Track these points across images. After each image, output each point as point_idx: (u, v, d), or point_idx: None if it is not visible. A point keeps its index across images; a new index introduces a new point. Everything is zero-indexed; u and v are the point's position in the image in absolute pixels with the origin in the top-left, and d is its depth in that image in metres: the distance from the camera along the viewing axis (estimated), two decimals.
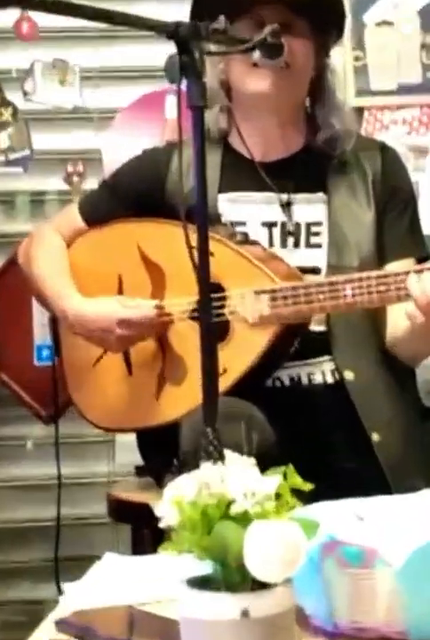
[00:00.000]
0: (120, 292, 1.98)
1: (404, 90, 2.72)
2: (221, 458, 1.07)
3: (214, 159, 1.95)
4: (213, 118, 1.94)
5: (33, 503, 2.70)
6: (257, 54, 1.81)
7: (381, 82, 2.75)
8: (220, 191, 1.95)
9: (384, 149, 2.00)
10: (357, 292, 1.72)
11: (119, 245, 1.99)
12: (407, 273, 1.69)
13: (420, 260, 1.91)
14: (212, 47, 1.49)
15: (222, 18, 1.70)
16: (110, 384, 1.98)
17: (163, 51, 1.36)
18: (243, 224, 1.93)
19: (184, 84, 1.35)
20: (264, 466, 1.01)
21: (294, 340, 1.84)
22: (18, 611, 2.63)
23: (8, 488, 2.74)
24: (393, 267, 1.89)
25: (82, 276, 1.99)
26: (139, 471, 2.37)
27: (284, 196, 1.92)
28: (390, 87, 2.73)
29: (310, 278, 1.85)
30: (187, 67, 1.36)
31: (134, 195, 2.00)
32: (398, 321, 1.83)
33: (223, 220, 1.93)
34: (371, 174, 1.94)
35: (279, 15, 1.84)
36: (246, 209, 1.95)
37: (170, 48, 1.34)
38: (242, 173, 1.97)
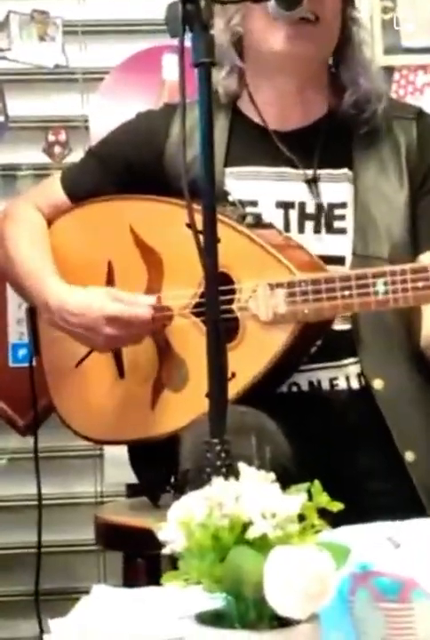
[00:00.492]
0: (110, 280, 1.97)
1: (422, 50, 2.74)
2: (232, 473, 1.07)
3: (221, 127, 1.95)
4: (222, 80, 1.94)
5: (9, 527, 2.70)
6: (273, 4, 1.81)
7: (414, 38, 2.76)
8: (228, 165, 1.95)
9: (421, 117, 1.99)
10: (390, 289, 1.71)
11: (109, 226, 1.99)
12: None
13: None
14: None
15: None
16: (98, 388, 1.98)
17: (160, 2, 1.37)
18: (255, 204, 1.93)
19: (188, 38, 1.36)
20: (280, 482, 1.00)
21: (314, 343, 1.85)
22: None
23: None
24: (428, 257, 1.88)
25: (65, 261, 1.99)
26: (132, 490, 2.38)
27: (306, 172, 1.92)
28: (425, 44, 2.75)
29: (334, 270, 1.84)
30: (191, 17, 1.36)
31: (127, 166, 1.99)
32: None
33: (231, 198, 1.92)
34: (405, 146, 1.94)
35: None
36: (258, 186, 1.94)
37: None
38: (254, 144, 1.96)
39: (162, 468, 1.87)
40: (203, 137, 1.39)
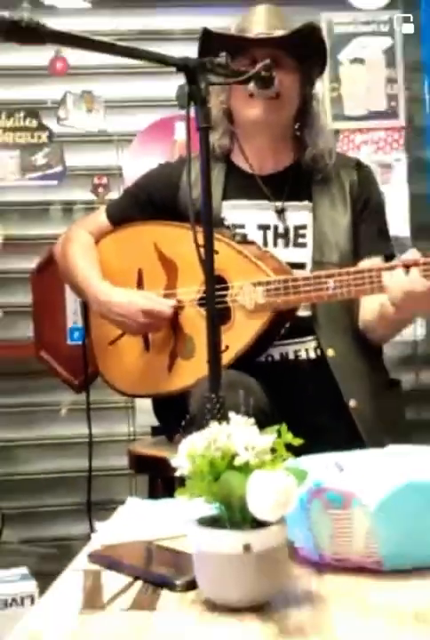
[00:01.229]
0: (140, 282, 1.96)
1: (372, 116, 2.72)
2: (225, 419, 1.06)
3: (219, 172, 1.94)
4: (217, 139, 1.92)
5: (69, 457, 2.70)
6: (252, 85, 1.80)
7: (353, 109, 2.75)
8: (224, 199, 1.93)
9: (359, 166, 1.98)
10: (337, 285, 1.71)
11: (139, 243, 1.96)
12: (379, 269, 1.67)
13: (387, 257, 1.91)
14: (215, 79, 1.48)
15: (224, 54, 1.70)
16: (130, 357, 1.97)
17: (172, 84, 1.35)
18: (243, 226, 1.91)
19: (192, 110, 1.35)
20: (259, 424, 1.00)
21: (284, 324, 1.83)
22: (52, 546, 2.63)
23: (47, 445, 2.75)
24: (365, 262, 1.88)
25: (108, 269, 1.97)
26: (155, 431, 2.37)
27: (278, 204, 1.90)
28: (361, 113, 2.74)
29: (298, 273, 1.84)
30: (194, 95, 1.35)
31: (151, 201, 1.97)
32: (368, 309, 1.82)
33: (226, 223, 1.91)
34: (348, 186, 1.92)
35: (269, 54, 1.82)
36: (245, 214, 1.92)
37: (179, 80, 1.33)
38: (242, 184, 1.94)
39: (176, 415, 1.85)
40: (203, 180, 1.39)
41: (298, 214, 1.91)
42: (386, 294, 1.66)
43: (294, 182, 1.92)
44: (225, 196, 1.93)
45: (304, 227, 1.90)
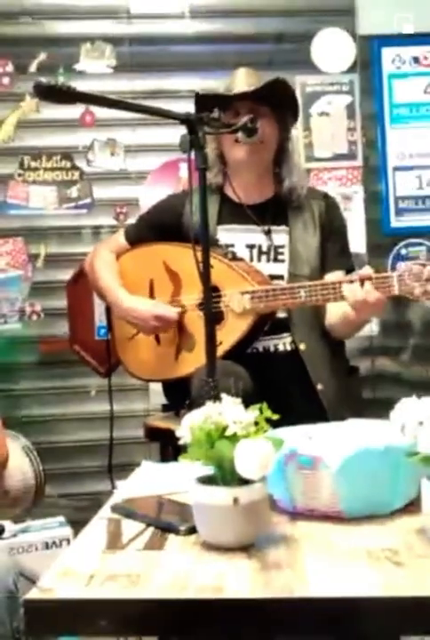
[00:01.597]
0: (151, 290, 1.95)
1: (336, 157, 2.71)
2: (218, 399, 1.06)
3: (215, 203, 1.93)
4: (213, 177, 1.92)
5: (94, 429, 2.69)
6: (240, 134, 1.80)
7: (321, 152, 2.74)
8: (219, 224, 1.93)
9: (327, 197, 1.98)
10: (308, 295, 1.71)
11: (150, 259, 1.96)
12: (341, 282, 1.67)
13: (348, 271, 1.91)
14: (210, 129, 1.48)
15: (216, 110, 1.70)
16: (145, 351, 1.96)
17: (177, 133, 1.36)
18: (233, 245, 1.91)
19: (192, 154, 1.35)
20: (246, 404, 1.01)
21: (265, 324, 1.83)
22: (83, 499, 2.62)
23: (79, 419, 2.74)
24: (329, 275, 1.88)
25: (126, 279, 1.97)
26: (165, 408, 2.36)
27: (265, 227, 1.90)
28: (327, 155, 2.73)
29: (277, 283, 1.84)
30: (194, 142, 1.36)
31: (160, 225, 1.96)
32: (333, 312, 1.82)
33: (220, 243, 1.90)
34: (317, 214, 1.92)
35: (249, 106, 1.82)
36: (235, 236, 1.92)
37: (182, 131, 1.34)
38: (233, 212, 1.94)
39: (180, 395, 1.86)
40: (202, 209, 1.39)
41: (278, 236, 1.91)
42: (346, 302, 1.66)
43: (274, 210, 1.92)
44: (219, 222, 1.93)
45: (282, 246, 1.90)
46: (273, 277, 1.87)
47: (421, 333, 2.80)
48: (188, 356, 1.88)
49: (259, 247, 1.90)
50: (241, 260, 1.88)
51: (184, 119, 1.36)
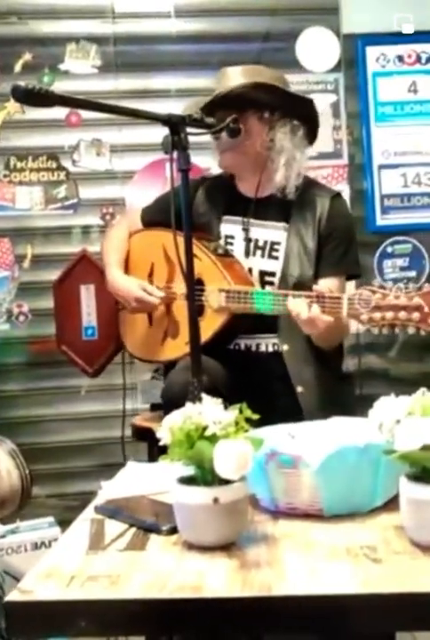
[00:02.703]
0: (151, 272, 1.98)
1: (322, 156, 2.70)
2: (198, 400, 1.06)
3: (222, 194, 1.94)
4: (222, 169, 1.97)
5: (84, 429, 2.69)
6: (223, 136, 1.79)
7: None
8: (224, 214, 1.93)
9: (333, 197, 1.89)
10: (276, 303, 1.69)
11: (154, 243, 1.96)
12: (293, 295, 1.63)
13: (350, 277, 1.90)
14: (193, 130, 1.47)
15: (199, 111, 1.69)
16: (139, 328, 2.00)
17: (163, 132, 1.36)
18: (233, 237, 1.90)
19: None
20: (216, 396, 1.01)
21: (241, 324, 1.81)
22: (72, 500, 2.62)
23: (68, 420, 2.74)
24: (322, 282, 1.79)
25: (132, 257, 2.02)
26: (153, 407, 2.37)
27: (261, 222, 1.89)
28: (312, 154, 2.66)
29: (263, 285, 1.84)
30: (176, 143, 1.36)
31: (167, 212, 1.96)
32: None
33: (222, 234, 1.91)
34: (319, 214, 1.85)
35: (227, 115, 1.78)
36: (235, 228, 1.91)
37: (165, 131, 1.35)
38: (236, 206, 1.93)
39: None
40: (185, 210, 1.40)
41: (275, 232, 1.88)
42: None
43: (275, 207, 1.89)
44: (225, 213, 1.93)
45: (278, 243, 1.87)
46: (265, 274, 1.86)
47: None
48: (172, 342, 1.91)
49: (256, 242, 1.89)
50: (231, 256, 1.88)
51: (166, 120, 1.37)
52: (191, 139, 1.38)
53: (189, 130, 1.39)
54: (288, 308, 1.63)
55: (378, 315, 1.50)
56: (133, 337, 2.03)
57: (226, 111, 1.77)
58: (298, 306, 1.60)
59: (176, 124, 1.37)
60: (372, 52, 2.74)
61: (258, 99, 1.82)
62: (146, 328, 1.99)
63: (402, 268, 2.75)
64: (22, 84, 1.04)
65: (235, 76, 1.84)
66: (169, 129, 1.37)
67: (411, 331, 1.48)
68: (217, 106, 1.80)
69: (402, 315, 1.46)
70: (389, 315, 1.48)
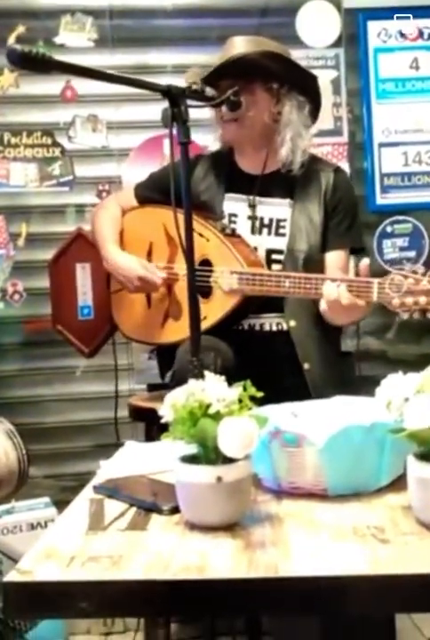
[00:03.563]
0: (149, 252, 1.93)
1: (322, 133, 2.64)
2: (202, 376, 1.04)
3: (223, 171, 1.90)
4: (216, 141, 1.93)
5: (80, 410, 2.67)
6: (224, 108, 1.76)
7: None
8: (226, 192, 1.89)
9: (337, 171, 1.89)
10: (291, 285, 1.68)
11: (153, 222, 1.92)
12: (324, 279, 1.64)
13: (354, 250, 1.88)
14: (193, 103, 1.44)
15: (200, 83, 1.66)
16: (136, 309, 1.96)
17: (159, 110, 1.33)
18: (236, 216, 1.87)
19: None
20: (227, 380, 0.98)
21: (251, 306, 1.80)
22: (69, 480, 2.61)
23: (64, 400, 2.71)
24: (329, 255, 1.83)
25: (128, 237, 1.97)
26: (149, 388, 2.35)
27: (266, 199, 1.86)
28: (313, 131, 2.66)
29: (265, 270, 1.79)
30: (176, 116, 1.33)
31: (167, 189, 1.91)
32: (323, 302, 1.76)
33: (225, 213, 1.87)
34: (324, 187, 1.84)
35: (229, 85, 1.76)
36: (239, 206, 1.88)
37: (163, 108, 1.32)
38: (239, 182, 1.89)
39: (167, 363, 1.86)
40: (185, 177, 1.36)
41: (281, 209, 1.86)
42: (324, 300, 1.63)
43: (279, 183, 1.86)
44: (226, 191, 1.89)
45: (284, 220, 1.85)
46: (272, 251, 1.83)
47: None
48: (174, 324, 1.87)
49: (261, 220, 1.86)
50: (238, 236, 1.85)
51: (165, 91, 1.33)
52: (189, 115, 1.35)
53: (190, 103, 1.36)
54: (323, 293, 1.60)
55: (410, 300, 1.50)
56: (130, 319, 1.98)
57: (233, 80, 1.75)
58: (340, 292, 1.57)
59: (176, 96, 1.33)
60: (374, 26, 2.69)
61: (268, 68, 1.78)
62: (144, 310, 1.95)
63: (402, 248, 2.72)
64: (18, 47, 1.00)
65: (244, 45, 1.80)
66: (168, 101, 1.33)
67: None
68: (223, 74, 1.77)
69: None
70: (423, 299, 1.48)
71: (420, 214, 2.74)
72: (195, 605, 0.80)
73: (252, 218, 1.86)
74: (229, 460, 0.93)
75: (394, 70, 2.70)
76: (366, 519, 0.96)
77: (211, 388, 0.95)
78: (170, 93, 1.32)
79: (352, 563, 0.82)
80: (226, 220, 1.87)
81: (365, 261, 1.63)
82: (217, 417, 0.92)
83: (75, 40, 2.68)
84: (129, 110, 2.69)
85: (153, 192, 1.96)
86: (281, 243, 1.84)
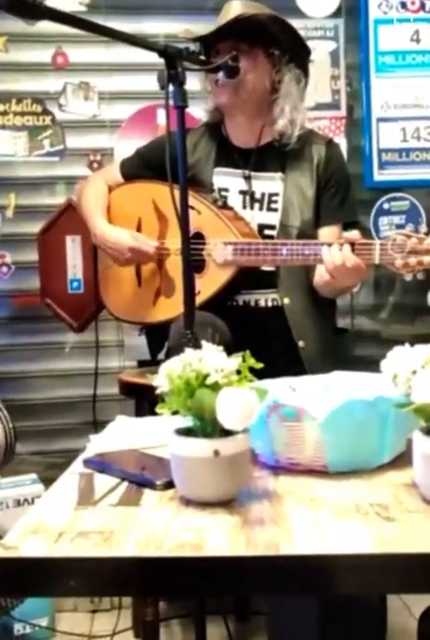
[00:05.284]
0: (138, 229, 1.89)
1: (319, 107, 2.61)
2: (197, 347, 1.00)
3: (212, 144, 1.86)
4: (209, 111, 1.88)
5: (69, 386, 2.63)
6: (221, 74, 1.71)
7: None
8: (215, 166, 1.85)
9: (329, 144, 1.86)
10: (289, 253, 1.64)
11: (142, 197, 1.88)
12: (322, 244, 1.60)
13: (348, 225, 1.83)
14: (191, 65, 1.38)
15: (198, 44, 1.60)
16: (125, 288, 1.91)
17: (154, 79, 1.27)
18: (227, 190, 1.83)
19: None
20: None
21: (247, 278, 1.76)
22: (56, 457, 2.57)
23: (53, 376, 2.66)
24: (323, 230, 1.80)
25: (115, 213, 1.92)
26: (140, 364, 2.30)
27: (258, 173, 1.82)
28: (310, 105, 2.58)
29: (261, 239, 1.76)
30: (172, 77, 1.28)
31: (157, 163, 1.85)
32: (319, 273, 1.74)
33: (215, 187, 1.83)
34: (316, 161, 1.81)
35: (231, 47, 1.72)
36: (230, 180, 1.84)
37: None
38: (229, 156, 1.85)
39: (158, 342, 1.83)
40: (181, 153, 1.32)
41: (273, 183, 1.82)
42: (324, 265, 1.59)
43: (271, 156, 1.82)
44: (216, 165, 1.84)
45: (276, 194, 1.81)
46: (264, 227, 1.79)
47: (400, 291, 2.76)
48: (166, 301, 1.82)
49: (252, 194, 1.81)
50: (230, 208, 1.80)
51: (162, 51, 1.28)
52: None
53: (187, 66, 1.31)
54: (323, 259, 1.56)
55: (413, 260, 1.47)
56: (120, 299, 1.93)
57: (234, 41, 1.71)
58: (338, 256, 1.54)
59: (173, 57, 1.28)
60: None
61: (273, 33, 1.73)
62: (134, 288, 1.89)
63: (399, 226, 2.68)
64: None
65: (244, 9, 1.74)
66: (165, 62, 1.28)
67: None
68: (223, 36, 1.72)
69: None
70: (427, 259, 1.46)
71: (417, 191, 2.70)
72: (190, 585, 0.76)
73: (245, 192, 1.81)
74: (227, 434, 0.88)
75: (394, 43, 2.63)
76: (368, 496, 0.92)
77: (209, 358, 0.90)
78: (166, 54, 1.28)
79: (357, 541, 0.78)
80: (216, 194, 1.83)
81: (354, 233, 1.60)
82: (215, 387, 0.87)
83: (66, 3, 2.60)
84: (122, 80, 2.62)
85: (140, 169, 1.91)
86: (273, 218, 1.80)
